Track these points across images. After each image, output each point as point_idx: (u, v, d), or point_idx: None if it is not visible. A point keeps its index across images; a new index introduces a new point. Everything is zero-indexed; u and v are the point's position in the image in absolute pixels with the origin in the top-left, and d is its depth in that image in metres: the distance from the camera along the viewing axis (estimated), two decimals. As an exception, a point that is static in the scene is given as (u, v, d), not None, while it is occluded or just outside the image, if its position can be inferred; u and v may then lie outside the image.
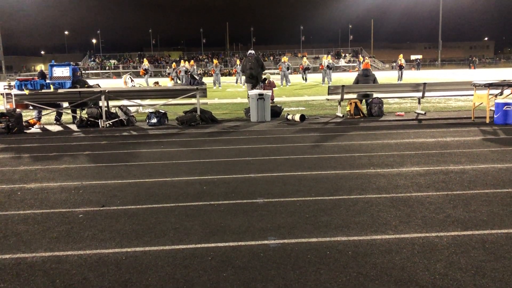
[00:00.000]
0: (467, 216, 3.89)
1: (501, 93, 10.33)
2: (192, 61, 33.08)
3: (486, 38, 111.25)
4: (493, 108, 9.27)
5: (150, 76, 22.63)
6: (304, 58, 35.24)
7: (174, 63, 34.86)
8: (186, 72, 27.30)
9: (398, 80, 27.30)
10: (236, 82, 29.62)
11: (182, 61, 31.93)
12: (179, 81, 26.30)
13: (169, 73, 29.47)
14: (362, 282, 2.79)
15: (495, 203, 4.21)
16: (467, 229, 3.59)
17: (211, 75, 27.15)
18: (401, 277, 2.85)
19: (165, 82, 22.37)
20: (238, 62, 32.53)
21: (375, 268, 2.97)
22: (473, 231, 3.55)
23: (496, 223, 3.72)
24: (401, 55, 28.59)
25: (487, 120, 9.37)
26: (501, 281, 2.75)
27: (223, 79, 35.94)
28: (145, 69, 27.84)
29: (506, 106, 8.92)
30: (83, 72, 49.26)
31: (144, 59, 27.98)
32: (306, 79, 29.08)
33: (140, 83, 18.34)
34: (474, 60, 60.67)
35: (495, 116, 9.12)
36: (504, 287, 2.69)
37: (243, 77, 29.27)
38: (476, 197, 4.40)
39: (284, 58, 29.02)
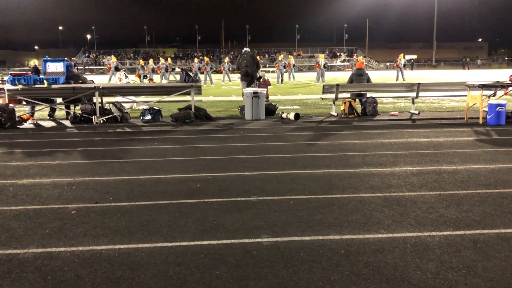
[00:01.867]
0: (459, 216, 3.92)
1: (494, 94, 10.41)
2: (162, 59, 32.62)
3: (480, 39, 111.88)
4: (486, 109, 9.33)
5: (118, 70, 21.61)
6: (291, 57, 34.86)
7: (142, 60, 34.48)
8: (166, 69, 27.05)
9: (396, 80, 27.17)
10: (223, 81, 28.68)
11: (161, 58, 31.50)
12: (147, 80, 25.74)
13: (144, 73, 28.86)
14: (355, 281, 2.80)
15: (487, 203, 4.24)
16: (459, 229, 3.62)
17: (202, 73, 26.72)
18: (393, 276, 2.86)
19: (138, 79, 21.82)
20: (226, 60, 31.85)
21: (368, 267, 2.98)
22: (465, 231, 3.57)
23: (488, 223, 3.75)
24: (402, 55, 28.64)
25: (480, 121, 9.44)
26: (492, 281, 2.78)
27: (217, 76, 35.76)
28: (115, 67, 26.82)
29: (499, 107, 8.99)
30: (79, 68, 48.73)
31: (112, 56, 27.11)
32: (294, 78, 28.87)
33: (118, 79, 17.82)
34: (468, 61, 60.93)
35: (488, 117, 9.18)
36: (495, 286, 2.72)
37: (231, 75, 29.11)
38: (468, 197, 4.43)
39: (280, 57, 28.99)
